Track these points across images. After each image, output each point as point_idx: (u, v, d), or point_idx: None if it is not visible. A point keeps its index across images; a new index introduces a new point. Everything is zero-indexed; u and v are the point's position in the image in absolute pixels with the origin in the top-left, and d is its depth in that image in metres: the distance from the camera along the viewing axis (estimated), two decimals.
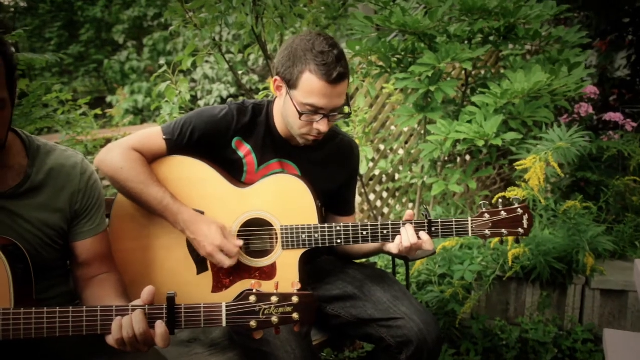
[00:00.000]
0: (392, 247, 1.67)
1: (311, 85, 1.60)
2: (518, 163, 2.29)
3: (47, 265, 1.43)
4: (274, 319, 1.25)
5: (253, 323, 1.25)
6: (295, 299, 1.26)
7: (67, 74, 11.38)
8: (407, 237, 1.64)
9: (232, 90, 7.39)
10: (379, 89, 3.56)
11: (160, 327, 1.23)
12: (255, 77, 7.09)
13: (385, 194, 4.04)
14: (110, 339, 1.25)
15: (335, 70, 1.58)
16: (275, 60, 1.71)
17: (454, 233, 1.68)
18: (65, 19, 12.05)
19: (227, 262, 1.62)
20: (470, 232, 1.67)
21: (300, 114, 1.63)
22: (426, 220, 1.67)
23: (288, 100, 1.65)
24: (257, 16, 2.66)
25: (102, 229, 1.51)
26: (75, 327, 1.23)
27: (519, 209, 1.67)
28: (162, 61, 3.05)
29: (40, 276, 1.37)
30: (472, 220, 1.67)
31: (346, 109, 1.70)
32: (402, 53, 2.76)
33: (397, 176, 3.98)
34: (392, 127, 3.93)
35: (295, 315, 1.26)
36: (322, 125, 1.65)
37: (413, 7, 3.02)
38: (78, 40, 11.75)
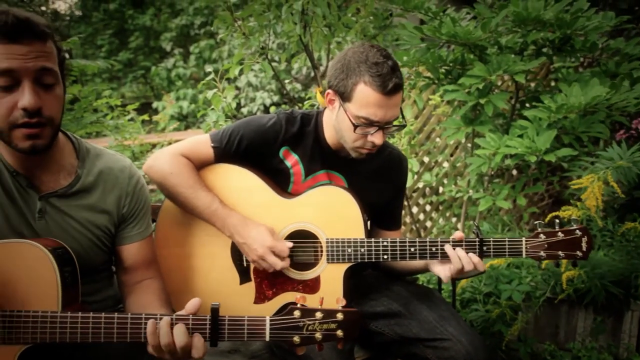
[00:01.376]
0: (441, 273, 1.61)
1: (366, 97, 1.56)
2: (574, 182, 2.18)
3: (93, 268, 1.44)
4: (318, 335, 1.23)
5: (296, 339, 1.23)
6: (340, 316, 1.23)
7: (116, 80, 11.74)
8: (460, 265, 1.57)
9: (276, 98, 7.43)
10: (425, 100, 3.50)
11: (197, 341, 1.22)
12: (299, 86, 7.11)
13: (428, 207, 3.96)
14: (149, 347, 1.24)
15: (391, 81, 1.55)
16: (327, 73, 1.69)
17: (507, 253, 1.61)
18: (116, 26, 12.45)
19: (279, 264, 1.59)
20: (524, 253, 1.60)
21: (355, 127, 1.59)
22: (477, 239, 1.60)
23: (342, 113, 1.62)
24: (305, 25, 2.66)
25: (147, 233, 1.52)
26: (119, 334, 1.23)
27: (577, 231, 1.59)
28: (208, 68, 3.07)
29: (87, 279, 1.38)
30: (526, 241, 1.60)
31: (400, 120, 1.66)
32: (451, 64, 2.70)
33: (441, 189, 3.89)
34: (437, 139, 3.86)
35: (340, 333, 1.23)
36: (377, 138, 1.61)
37: (462, 17, 2.96)
38: (127, 47, 12.11)
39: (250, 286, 1.67)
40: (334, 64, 1.64)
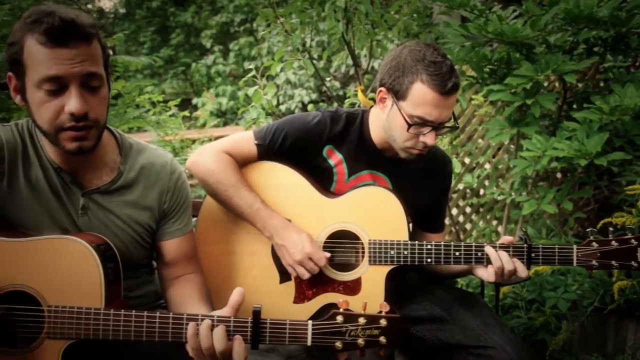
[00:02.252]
0: (484, 275, 1.58)
1: (423, 96, 1.54)
2: (630, 187, 2.09)
3: (135, 264, 1.45)
4: (360, 341, 1.21)
5: (338, 344, 1.21)
6: (383, 322, 1.21)
7: (157, 76, 11.96)
8: (500, 264, 1.53)
9: (314, 96, 7.43)
10: (467, 99, 3.43)
11: (238, 344, 1.21)
12: (337, 84, 7.10)
13: (468, 210, 3.89)
14: (189, 349, 1.23)
15: (450, 80, 1.53)
16: (379, 71, 1.66)
17: (556, 261, 1.55)
18: (158, 24, 12.68)
19: (315, 270, 1.58)
20: (575, 261, 1.53)
21: (409, 126, 1.56)
22: (525, 245, 1.54)
23: (394, 112, 1.60)
24: (347, 22, 2.63)
25: (188, 229, 1.52)
26: (161, 333, 1.23)
27: (632, 240, 1.51)
28: (249, 65, 3.08)
29: (128, 274, 1.38)
30: (578, 249, 1.53)
31: (452, 122, 1.63)
32: (496, 63, 2.63)
33: (482, 191, 3.81)
34: (479, 140, 3.78)
35: (382, 339, 1.21)
36: (429, 138, 1.58)
37: (508, 15, 2.88)
38: (169, 44, 12.32)
39: (290, 285, 1.65)
40: (387, 62, 1.62)
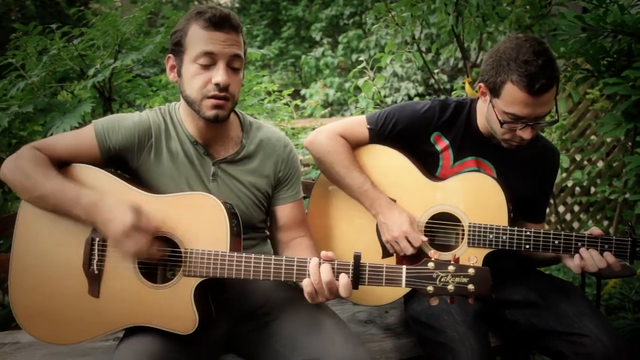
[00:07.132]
0: (571, 266, 1.62)
1: (513, 95, 1.58)
2: None
3: (253, 225, 1.69)
4: (450, 287, 1.33)
5: (430, 288, 1.34)
6: (471, 271, 1.32)
7: (267, 68, 12.48)
8: (593, 262, 1.57)
9: (420, 89, 7.41)
10: (581, 94, 3.32)
11: (343, 278, 1.40)
12: (445, 77, 7.03)
13: (576, 208, 3.76)
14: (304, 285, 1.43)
15: (538, 82, 1.53)
16: (481, 65, 1.73)
17: None
18: (270, 17, 13.22)
19: (409, 250, 1.70)
20: None
21: (502, 123, 1.62)
22: (629, 239, 1.54)
23: (491, 108, 1.67)
24: (457, 16, 2.67)
25: (299, 197, 1.75)
26: (275, 273, 1.44)
27: None
28: (360, 57, 3.21)
29: (246, 236, 1.62)
30: None
31: (553, 115, 1.65)
32: (615, 56, 2.54)
33: (592, 189, 3.67)
34: (592, 137, 3.64)
35: (471, 287, 1.32)
36: (525, 133, 1.63)
37: (632, 4, 2.75)
38: (280, 37, 12.81)
39: (391, 261, 1.78)
40: (487, 58, 1.68)
